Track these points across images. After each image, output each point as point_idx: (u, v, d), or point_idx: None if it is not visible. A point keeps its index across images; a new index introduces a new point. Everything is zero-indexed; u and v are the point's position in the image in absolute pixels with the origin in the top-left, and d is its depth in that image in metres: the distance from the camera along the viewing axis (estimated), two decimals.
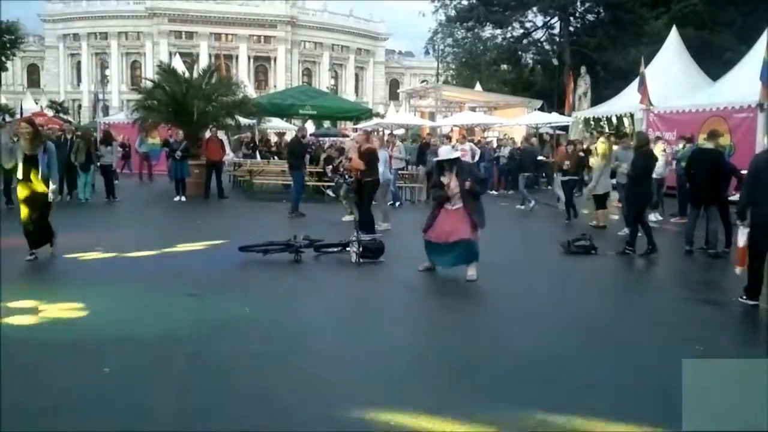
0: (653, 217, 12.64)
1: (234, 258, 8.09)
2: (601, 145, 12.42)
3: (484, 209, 7.58)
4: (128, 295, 6.44)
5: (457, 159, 7.71)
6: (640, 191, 9.41)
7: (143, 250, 8.73)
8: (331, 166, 15.48)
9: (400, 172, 16.57)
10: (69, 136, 14.80)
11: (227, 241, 9.22)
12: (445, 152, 7.83)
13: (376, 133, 17.44)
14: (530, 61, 40.81)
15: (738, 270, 6.94)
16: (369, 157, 10.35)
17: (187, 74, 18.81)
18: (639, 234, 9.14)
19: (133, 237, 9.90)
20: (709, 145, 9.56)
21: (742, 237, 6.63)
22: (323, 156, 17.33)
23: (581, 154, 13.15)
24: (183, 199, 15.26)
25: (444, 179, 7.48)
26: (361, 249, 8.14)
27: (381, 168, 11.10)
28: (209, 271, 7.64)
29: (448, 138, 18.95)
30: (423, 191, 15.91)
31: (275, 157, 21.00)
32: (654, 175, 12.44)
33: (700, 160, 9.30)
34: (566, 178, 12.80)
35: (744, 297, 6.39)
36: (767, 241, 6.21)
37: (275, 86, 71.39)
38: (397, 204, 14.90)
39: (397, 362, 4.72)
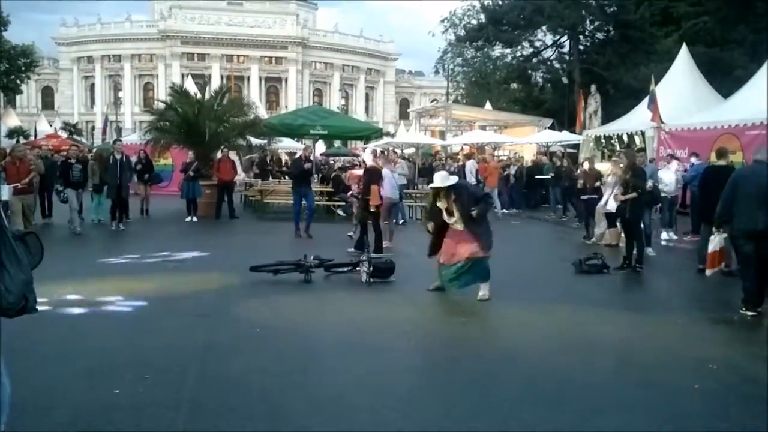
0: (665, 235, 12.56)
1: (245, 278, 8.10)
2: (613, 164, 12.38)
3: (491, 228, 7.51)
4: (137, 316, 6.46)
5: (454, 184, 7.35)
6: (639, 206, 9.48)
7: (154, 271, 8.76)
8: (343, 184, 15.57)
9: (405, 191, 16.63)
10: (119, 156, 13.69)
11: (237, 261, 9.22)
12: (439, 179, 7.38)
13: (385, 152, 17.48)
14: (540, 80, 40.83)
15: (708, 272, 8.07)
16: (369, 176, 10.47)
17: (199, 95, 18.99)
18: (652, 253, 9.02)
19: (144, 258, 9.94)
20: (721, 162, 9.52)
21: (712, 244, 7.80)
22: (333, 175, 17.42)
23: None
24: (194, 219, 15.33)
25: (440, 204, 7.32)
26: (371, 269, 8.12)
27: (387, 187, 11.17)
28: (219, 291, 7.65)
29: (454, 158, 19.06)
30: None
31: (286, 177, 21.08)
32: (664, 194, 12.44)
33: (713, 178, 9.23)
34: (585, 197, 12.78)
35: (743, 308, 6.69)
36: (750, 247, 6.65)
37: (286, 106, 71.89)
38: (401, 222, 14.86)
39: (408, 382, 4.70)
